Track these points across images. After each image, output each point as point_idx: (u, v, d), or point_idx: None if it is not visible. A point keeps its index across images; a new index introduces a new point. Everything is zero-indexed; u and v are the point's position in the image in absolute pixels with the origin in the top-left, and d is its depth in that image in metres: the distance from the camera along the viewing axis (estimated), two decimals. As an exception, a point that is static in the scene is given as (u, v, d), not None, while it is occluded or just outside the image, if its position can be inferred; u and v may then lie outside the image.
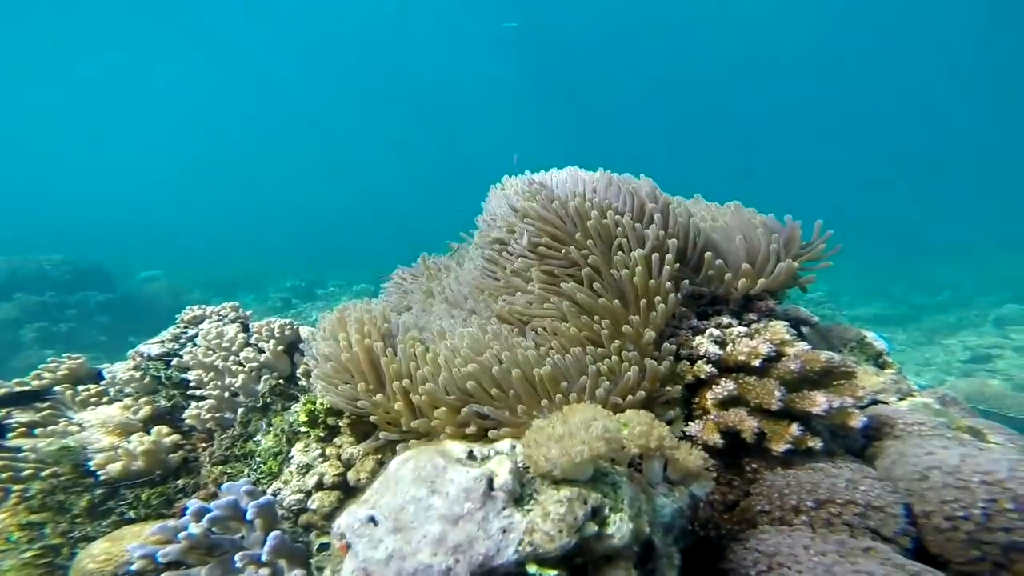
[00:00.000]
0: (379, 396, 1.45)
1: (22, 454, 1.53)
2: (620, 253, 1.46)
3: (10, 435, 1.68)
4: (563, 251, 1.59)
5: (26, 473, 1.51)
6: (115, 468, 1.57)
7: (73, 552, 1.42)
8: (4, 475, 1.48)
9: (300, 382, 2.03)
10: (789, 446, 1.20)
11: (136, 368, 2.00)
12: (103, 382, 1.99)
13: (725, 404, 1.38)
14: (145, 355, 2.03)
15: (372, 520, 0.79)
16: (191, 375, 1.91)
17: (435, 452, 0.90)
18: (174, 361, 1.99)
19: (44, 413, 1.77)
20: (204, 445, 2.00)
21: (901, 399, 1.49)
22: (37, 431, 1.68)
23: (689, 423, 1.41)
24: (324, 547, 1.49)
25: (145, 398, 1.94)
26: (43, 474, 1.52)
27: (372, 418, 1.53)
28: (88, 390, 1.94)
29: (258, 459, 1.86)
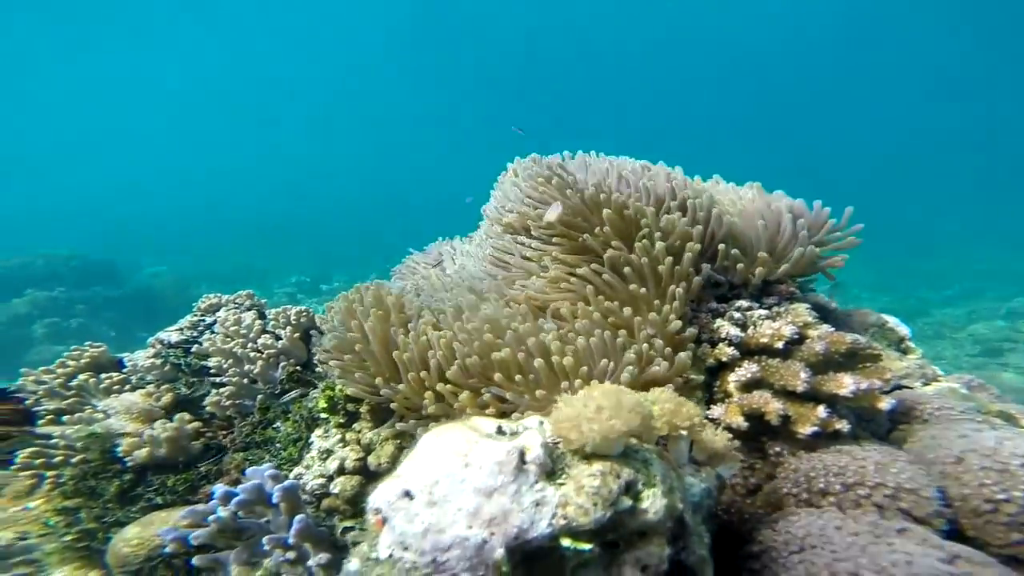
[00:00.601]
0: (400, 385, 1.46)
1: (53, 440, 1.56)
2: (644, 241, 1.45)
3: (39, 422, 1.71)
4: (580, 238, 1.58)
5: (57, 459, 1.54)
6: (141, 454, 1.60)
7: (107, 537, 1.44)
8: (38, 461, 1.51)
9: (317, 368, 2.05)
10: (816, 428, 1.19)
11: (156, 356, 2.02)
12: (125, 370, 2.01)
13: (748, 387, 1.37)
14: (165, 343, 2.05)
15: (407, 494, 0.80)
16: (211, 362, 1.93)
17: (465, 427, 0.91)
18: (194, 348, 2.01)
19: (70, 400, 1.80)
20: (224, 432, 2.02)
21: (926, 384, 1.47)
22: (65, 418, 1.70)
23: (711, 406, 1.41)
24: (348, 530, 1.50)
25: (166, 385, 1.96)
26: (73, 460, 1.55)
27: (392, 404, 1.54)
28: (111, 378, 1.97)
29: (278, 445, 1.88)
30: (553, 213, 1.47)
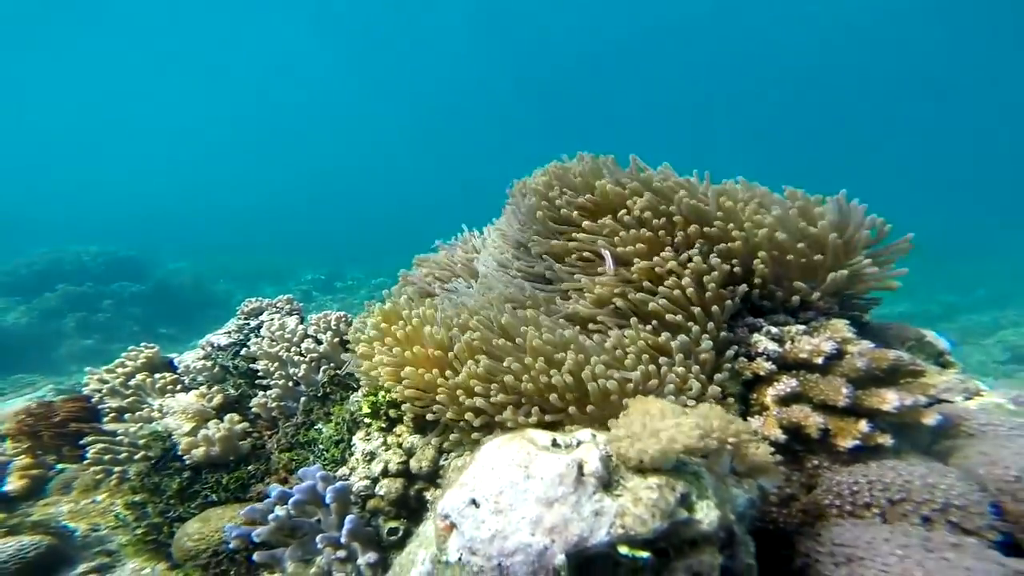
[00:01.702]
0: (449, 413, 1.52)
1: (118, 438, 1.67)
2: (672, 278, 1.49)
3: (104, 419, 1.82)
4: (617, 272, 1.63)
5: (123, 456, 1.64)
6: (199, 453, 1.69)
7: (171, 531, 1.54)
8: (107, 457, 1.62)
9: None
10: (857, 442, 1.21)
11: (207, 357, 2.13)
12: (178, 371, 2.12)
13: (786, 401, 1.39)
14: (215, 345, 2.16)
15: (474, 502, 0.85)
16: (259, 365, 2.02)
17: (523, 440, 0.96)
18: (242, 351, 2.11)
19: (129, 399, 1.91)
20: (269, 432, 2.12)
21: (968, 399, 1.46)
22: (126, 416, 1.82)
23: (747, 419, 1.43)
24: (393, 532, 1.57)
25: (217, 387, 2.06)
26: (136, 457, 1.65)
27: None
28: (164, 378, 2.08)
29: (320, 446, 1.96)
30: (611, 267, 1.54)
